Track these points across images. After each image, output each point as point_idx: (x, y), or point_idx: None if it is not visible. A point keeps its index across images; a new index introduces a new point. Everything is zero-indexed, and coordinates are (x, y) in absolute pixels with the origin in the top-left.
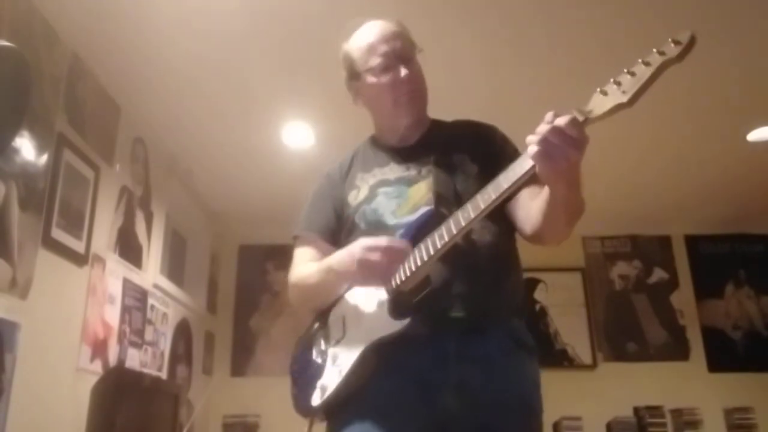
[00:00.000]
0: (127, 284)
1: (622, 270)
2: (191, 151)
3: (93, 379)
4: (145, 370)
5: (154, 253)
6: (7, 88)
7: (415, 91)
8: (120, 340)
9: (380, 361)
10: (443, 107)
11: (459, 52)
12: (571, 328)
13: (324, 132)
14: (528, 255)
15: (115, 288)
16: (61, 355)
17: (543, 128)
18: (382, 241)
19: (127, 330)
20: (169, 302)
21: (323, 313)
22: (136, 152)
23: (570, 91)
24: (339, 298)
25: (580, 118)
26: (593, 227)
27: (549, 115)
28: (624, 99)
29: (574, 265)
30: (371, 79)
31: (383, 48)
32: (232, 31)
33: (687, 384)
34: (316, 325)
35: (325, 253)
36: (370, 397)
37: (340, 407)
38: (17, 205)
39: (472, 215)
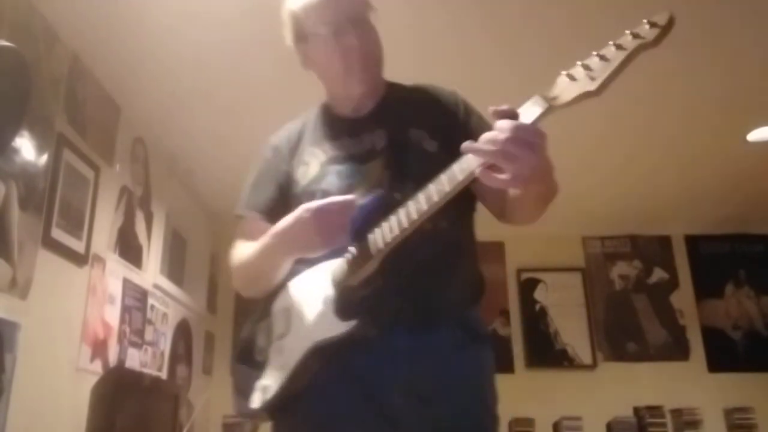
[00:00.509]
0: (127, 284)
1: (622, 270)
2: (191, 151)
3: (93, 379)
4: (145, 370)
5: (154, 253)
6: (7, 88)
7: (369, 56)
8: (120, 340)
9: (324, 362)
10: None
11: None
12: (571, 328)
13: None
14: (528, 255)
15: (115, 288)
16: (61, 355)
17: (494, 138)
18: (328, 202)
19: (127, 330)
20: (169, 302)
21: (267, 301)
22: (136, 152)
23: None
24: (283, 286)
25: (544, 106)
26: (593, 227)
27: (498, 123)
28: (592, 87)
29: (574, 265)
30: (320, 44)
31: (332, 10)
32: (231, 31)
33: (687, 384)
34: (259, 314)
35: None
36: (315, 401)
37: (283, 410)
38: (17, 205)
39: (425, 207)
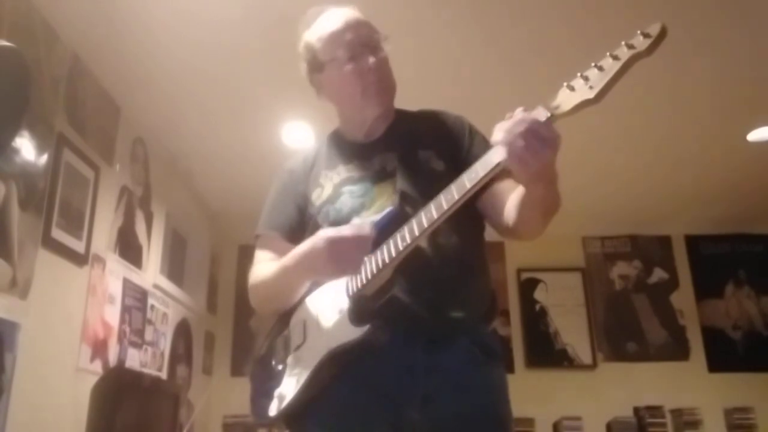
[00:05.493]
0: (127, 284)
1: (622, 270)
2: (191, 151)
3: (93, 379)
4: (145, 370)
5: (154, 253)
6: (7, 88)
7: (384, 79)
8: (120, 340)
9: (339, 369)
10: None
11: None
12: (571, 328)
13: (324, 132)
14: (528, 255)
15: (115, 288)
16: (61, 355)
17: (512, 128)
18: (345, 230)
19: (127, 330)
20: (169, 302)
21: (285, 315)
22: (136, 152)
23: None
24: (300, 301)
25: (546, 115)
26: (593, 227)
27: (517, 112)
28: (591, 95)
29: (574, 265)
30: (337, 69)
31: (348, 36)
32: (231, 32)
33: (687, 384)
34: (278, 328)
35: (286, 254)
36: (330, 407)
37: (299, 417)
38: (17, 205)
39: (435, 215)
